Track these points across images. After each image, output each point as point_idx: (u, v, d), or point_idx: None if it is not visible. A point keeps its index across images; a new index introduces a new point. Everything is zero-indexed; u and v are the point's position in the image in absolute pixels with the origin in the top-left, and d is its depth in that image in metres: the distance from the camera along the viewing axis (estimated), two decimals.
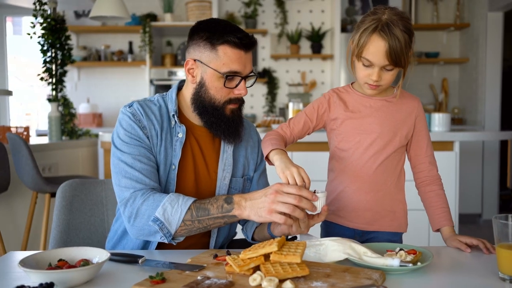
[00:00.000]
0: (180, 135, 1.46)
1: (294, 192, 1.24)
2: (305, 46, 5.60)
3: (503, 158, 5.59)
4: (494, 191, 5.11)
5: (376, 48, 1.37)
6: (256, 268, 1.12)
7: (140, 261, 1.21)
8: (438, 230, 1.50)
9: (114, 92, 5.70)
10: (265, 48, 5.62)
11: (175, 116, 1.46)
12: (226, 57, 1.39)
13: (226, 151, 1.52)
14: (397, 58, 1.36)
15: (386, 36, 1.35)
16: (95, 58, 5.54)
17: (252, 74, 1.46)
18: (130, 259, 1.23)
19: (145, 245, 1.47)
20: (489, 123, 5.06)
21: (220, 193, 1.50)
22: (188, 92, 1.49)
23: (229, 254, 1.25)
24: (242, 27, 5.20)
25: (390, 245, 1.32)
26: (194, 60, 1.43)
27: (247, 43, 1.40)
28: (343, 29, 5.32)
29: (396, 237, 1.55)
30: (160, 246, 1.45)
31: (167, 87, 5.48)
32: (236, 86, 1.42)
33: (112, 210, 1.83)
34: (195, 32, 1.44)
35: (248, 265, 1.10)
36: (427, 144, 1.55)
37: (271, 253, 1.12)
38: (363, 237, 1.53)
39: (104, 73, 5.71)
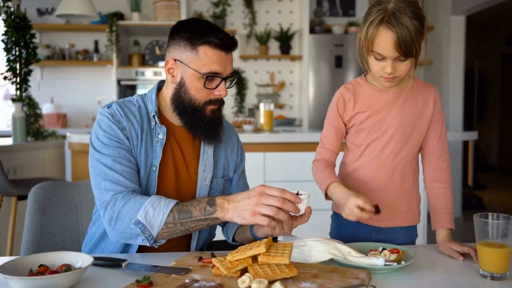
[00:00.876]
0: (160, 136, 1.44)
1: (277, 194, 1.23)
2: (274, 46, 5.62)
3: (464, 157, 5.76)
4: (457, 190, 5.26)
5: (385, 40, 1.31)
6: (244, 270, 1.11)
7: (123, 265, 1.19)
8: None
9: (79, 92, 5.57)
10: None
11: (155, 117, 1.44)
12: (207, 57, 1.38)
13: (207, 151, 1.51)
14: (408, 49, 1.30)
15: (393, 27, 1.29)
16: (59, 57, 5.39)
17: (232, 75, 1.44)
18: (113, 263, 1.20)
19: (125, 248, 1.44)
20: (452, 124, 5.21)
21: (201, 194, 1.49)
22: (168, 92, 1.47)
23: (213, 256, 1.24)
24: None
25: (373, 245, 1.33)
26: (175, 60, 1.42)
27: (228, 44, 1.39)
28: (312, 30, 5.37)
29: (411, 231, 1.54)
30: (141, 249, 1.43)
31: (135, 88, 5.40)
32: (216, 87, 1.41)
33: (86, 213, 1.79)
34: (175, 31, 1.43)
35: (236, 267, 1.10)
36: (440, 135, 1.49)
37: (258, 254, 1.11)
38: (379, 234, 1.51)
39: (68, 72, 5.57)
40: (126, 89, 5.35)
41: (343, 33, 5.39)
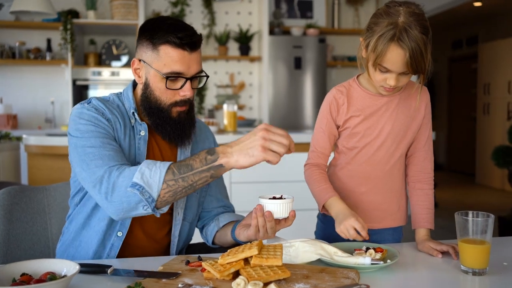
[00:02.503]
0: (142, 132, 1.40)
1: (282, 132, 1.17)
2: (233, 47, 5.62)
3: None
4: None
5: (396, 58, 1.29)
6: (235, 273, 1.10)
7: (108, 271, 1.15)
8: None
9: (30, 92, 5.36)
10: None
11: (135, 113, 1.41)
12: (167, 57, 1.34)
13: (184, 153, 1.48)
14: (418, 66, 1.29)
15: (405, 45, 1.26)
16: (8, 55, 5.16)
17: (199, 75, 1.39)
18: (97, 270, 1.17)
19: (98, 248, 1.38)
20: None
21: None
22: (138, 92, 1.45)
23: (200, 259, 1.23)
24: None
25: (357, 244, 1.35)
26: (139, 60, 1.39)
27: (188, 43, 1.34)
28: (271, 32, 5.40)
29: (398, 232, 1.56)
30: (121, 254, 1.39)
31: (91, 88, 5.26)
32: (181, 87, 1.36)
33: (56, 218, 1.72)
34: (141, 31, 1.40)
35: (228, 270, 1.09)
36: (428, 137, 1.50)
37: (250, 257, 1.11)
38: (370, 235, 1.49)
39: (19, 71, 5.34)
40: (82, 90, 5.20)
41: (301, 34, 5.46)
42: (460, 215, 1.20)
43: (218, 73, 5.66)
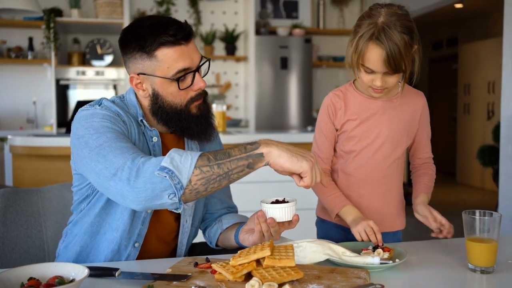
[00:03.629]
0: (155, 139, 1.35)
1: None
2: (219, 47, 5.60)
3: None
4: None
5: (374, 56, 1.32)
6: (247, 275, 1.09)
7: (116, 274, 1.13)
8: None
9: (11, 92, 5.24)
10: None
11: (143, 121, 1.35)
12: (168, 59, 1.26)
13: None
14: (397, 65, 1.31)
15: (382, 43, 1.29)
16: None
17: (202, 62, 1.32)
18: (104, 273, 1.14)
19: (113, 257, 1.35)
20: None
21: (189, 204, 1.38)
22: (143, 103, 1.36)
23: (208, 261, 1.21)
24: None
25: (364, 244, 1.36)
26: (138, 74, 1.31)
27: (182, 36, 1.27)
28: (257, 32, 5.40)
29: (398, 236, 1.57)
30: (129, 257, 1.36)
31: (75, 88, 5.18)
32: (192, 83, 1.31)
33: (50, 220, 1.69)
34: (124, 44, 1.31)
35: (240, 271, 1.08)
36: (427, 138, 1.56)
37: (263, 258, 1.10)
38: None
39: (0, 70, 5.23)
40: (65, 89, 5.11)
41: (287, 35, 5.47)
42: (468, 214, 1.21)
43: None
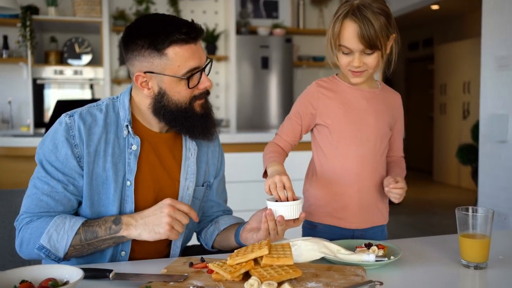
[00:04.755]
0: (134, 147, 1.32)
1: (186, 210, 1.25)
2: None
3: None
4: None
5: (349, 32, 1.35)
6: (245, 274, 1.08)
7: (110, 275, 1.10)
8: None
9: None
10: None
11: (129, 126, 1.32)
12: (179, 58, 1.26)
13: (189, 158, 1.41)
14: (371, 41, 1.33)
15: (357, 19, 1.33)
16: None
17: (207, 61, 1.33)
18: (98, 274, 1.12)
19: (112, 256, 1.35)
20: None
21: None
22: (142, 102, 1.34)
23: (203, 260, 1.20)
24: None
25: (358, 242, 1.36)
26: (145, 73, 1.28)
27: (195, 36, 1.27)
28: (238, 31, 5.38)
29: (383, 229, 1.57)
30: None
31: (53, 87, 5.07)
32: (199, 81, 1.31)
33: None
34: (130, 41, 1.28)
35: (239, 271, 1.07)
36: (401, 139, 1.60)
37: (261, 257, 1.09)
38: (360, 236, 1.50)
39: None
40: (42, 89, 5.01)
41: (268, 34, 5.47)
42: (461, 211, 1.23)
43: None
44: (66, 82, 5.16)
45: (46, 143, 1.29)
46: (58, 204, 1.27)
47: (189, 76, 1.28)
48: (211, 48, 5.47)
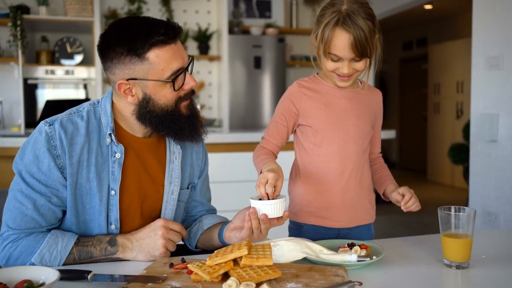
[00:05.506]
0: (118, 155, 1.29)
1: (178, 229, 1.31)
2: (192, 46, 5.54)
3: None
4: None
5: (341, 42, 1.33)
6: (224, 274, 1.07)
7: (88, 277, 1.09)
8: (383, 193, 1.54)
9: None
10: None
11: (112, 135, 1.29)
12: (161, 61, 1.21)
13: (173, 161, 1.39)
14: (363, 49, 1.33)
15: (349, 28, 1.31)
16: None
17: (189, 60, 1.29)
18: (76, 275, 1.10)
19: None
20: None
21: (167, 208, 1.38)
22: (126, 108, 1.30)
23: (184, 261, 1.19)
24: None
25: (341, 242, 1.35)
26: (127, 80, 1.24)
27: (174, 35, 1.23)
28: (230, 31, 5.37)
29: (369, 228, 1.57)
30: None
31: (45, 87, 5.05)
32: (184, 82, 1.28)
33: None
34: (108, 49, 1.24)
35: (218, 271, 1.06)
36: (379, 134, 1.62)
37: (240, 257, 1.08)
38: (346, 235, 1.51)
39: None
40: (34, 89, 4.98)
41: (261, 34, 5.46)
42: (443, 210, 1.22)
43: None
44: (61, 82, 5.14)
45: (27, 153, 1.25)
46: (43, 218, 1.25)
47: (173, 78, 1.25)
48: (204, 48, 5.46)
